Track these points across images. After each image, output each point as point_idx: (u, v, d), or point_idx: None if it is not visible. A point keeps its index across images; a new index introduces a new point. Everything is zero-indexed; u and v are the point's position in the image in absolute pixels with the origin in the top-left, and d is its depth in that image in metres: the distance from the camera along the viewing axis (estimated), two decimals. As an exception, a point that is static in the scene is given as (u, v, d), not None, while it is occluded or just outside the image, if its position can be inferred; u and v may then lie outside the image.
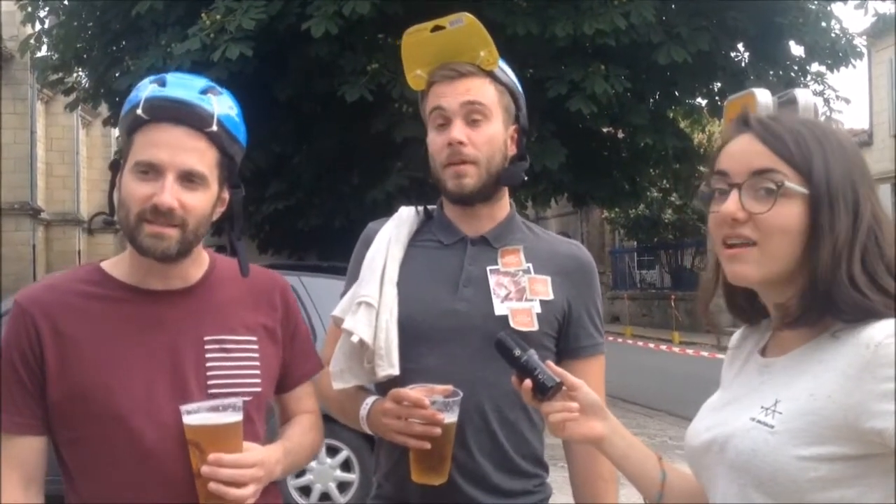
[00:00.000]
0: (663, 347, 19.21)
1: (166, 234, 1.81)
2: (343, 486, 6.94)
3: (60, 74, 13.57)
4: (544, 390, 1.65)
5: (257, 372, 1.94)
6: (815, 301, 1.39)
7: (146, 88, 1.85)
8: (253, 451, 1.82)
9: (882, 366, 1.30)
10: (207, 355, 1.89)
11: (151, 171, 1.81)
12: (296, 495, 6.88)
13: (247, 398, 1.88)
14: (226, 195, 1.96)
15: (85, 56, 12.65)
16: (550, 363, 1.70)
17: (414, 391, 1.92)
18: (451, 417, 1.90)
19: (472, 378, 2.03)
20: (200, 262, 1.98)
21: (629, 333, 24.23)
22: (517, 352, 1.70)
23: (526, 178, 2.27)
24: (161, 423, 1.81)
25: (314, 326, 6.95)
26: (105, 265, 1.97)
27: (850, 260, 1.38)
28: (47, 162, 27.60)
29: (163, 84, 1.85)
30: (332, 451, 6.90)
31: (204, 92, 1.87)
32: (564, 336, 2.14)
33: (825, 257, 1.38)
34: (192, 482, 1.79)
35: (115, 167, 2.17)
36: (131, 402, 1.82)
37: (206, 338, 1.90)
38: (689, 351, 17.07)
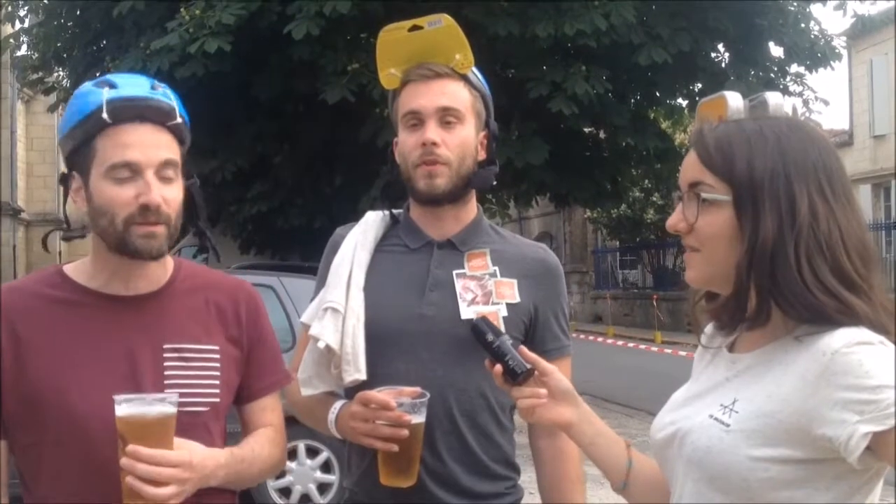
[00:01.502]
0: (643, 347, 19.27)
1: (157, 232, 1.81)
2: (323, 488, 6.94)
3: (41, 74, 13.50)
4: (514, 376, 1.69)
5: (217, 382, 1.91)
6: (765, 301, 1.41)
7: (97, 93, 1.82)
8: (181, 451, 1.74)
9: (837, 374, 1.31)
10: (166, 363, 1.87)
11: (129, 172, 1.79)
12: (276, 497, 6.87)
13: (204, 408, 1.87)
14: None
15: (65, 55, 12.58)
16: (524, 349, 1.72)
17: (381, 393, 1.92)
18: (418, 419, 1.90)
19: (440, 382, 2.03)
20: (166, 264, 1.96)
21: (611, 333, 24.28)
22: (490, 336, 1.74)
23: (495, 183, 2.28)
24: (113, 430, 1.76)
25: (293, 327, 6.95)
26: (67, 269, 1.95)
27: (797, 259, 1.38)
28: (28, 162, 27.46)
29: (113, 86, 1.83)
30: (312, 453, 6.90)
31: (153, 87, 1.86)
32: (531, 339, 2.14)
33: (743, 256, 1.41)
34: None
35: (65, 180, 2.13)
36: (87, 408, 1.79)
37: (166, 346, 1.88)
38: (668, 350, 17.13)
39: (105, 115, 1.79)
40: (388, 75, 2.16)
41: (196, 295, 1.97)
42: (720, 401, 1.45)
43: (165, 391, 1.82)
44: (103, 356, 1.84)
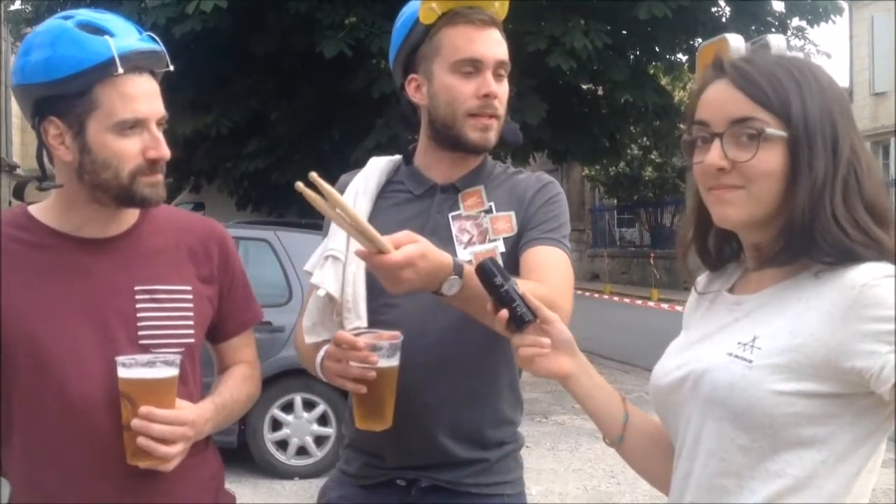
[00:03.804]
0: (640, 303, 19.31)
1: (160, 180, 1.84)
2: (320, 440, 6.97)
3: (34, 28, 13.36)
4: (520, 323, 1.63)
5: (190, 323, 1.92)
6: (795, 239, 1.40)
7: (100, 42, 1.76)
8: (186, 409, 1.80)
9: (866, 306, 1.31)
10: (138, 305, 1.86)
11: (135, 125, 1.78)
12: (273, 449, 6.91)
13: (180, 349, 1.86)
14: None
15: (58, 9, 12.44)
16: (528, 295, 1.65)
17: (358, 336, 1.89)
18: (390, 362, 1.88)
19: (440, 327, 2.02)
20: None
21: (608, 291, 24.35)
22: (498, 280, 1.65)
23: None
24: (88, 374, 1.79)
25: (290, 281, 6.95)
26: (33, 210, 1.91)
27: (833, 196, 1.39)
28: (22, 117, 27.17)
29: (110, 34, 1.78)
30: (309, 406, 6.93)
31: (140, 32, 1.84)
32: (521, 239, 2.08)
33: (804, 196, 1.39)
34: (120, 436, 1.76)
35: (39, 126, 2.07)
36: (56, 351, 1.78)
37: (137, 287, 1.87)
38: (665, 307, 17.18)
39: (119, 70, 1.76)
40: (428, 9, 2.08)
41: (165, 235, 1.96)
42: (737, 339, 1.43)
43: (139, 333, 1.84)
44: (72, 299, 1.82)
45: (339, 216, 1.70)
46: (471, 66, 2.06)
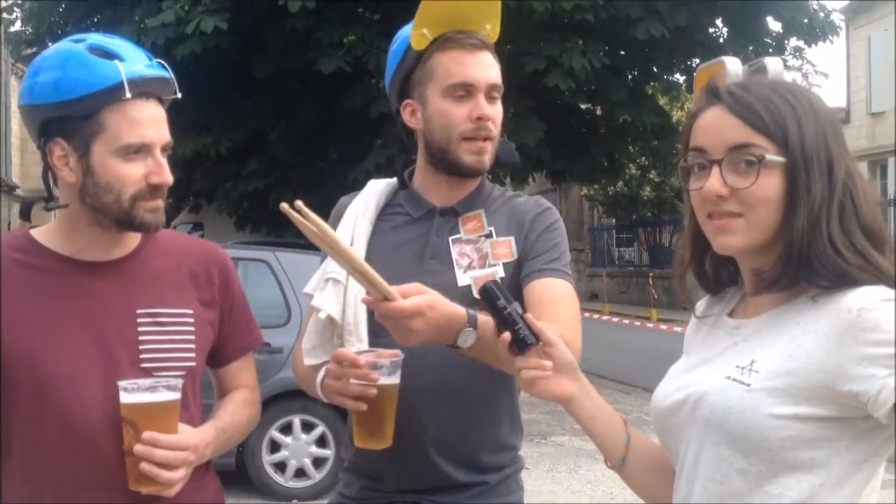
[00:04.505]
0: (639, 324, 19.28)
1: (161, 205, 1.85)
2: (318, 462, 6.95)
3: (34, 49, 13.39)
4: (522, 346, 1.62)
5: (192, 346, 1.92)
6: (792, 264, 1.41)
7: (110, 66, 1.77)
8: (188, 434, 1.80)
9: (863, 330, 1.31)
10: (140, 329, 1.86)
11: (140, 150, 1.79)
12: (271, 471, 6.89)
13: (181, 373, 1.86)
14: None
15: (59, 31, 12.47)
16: (530, 317, 1.66)
17: (359, 355, 1.89)
18: (391, 380, 1.88)
19: (442, 350, 2.01)
20: None
21: (607, 311, 24.31)
22: (501, 302, 1.66)
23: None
24: (89, 397, 1.78)
25: (288, 302, 6.95)
26: (36, 233, 1.92)
27: (829, 220, 1.39)
28: (22, 138, 27.32)
29: (120, 58, 1.79)
30: (308, 427, 6.91)
31: (150, 59, 1.85)
32: (521, 270, 2.08)
33: (802, 221, 1.40)
34: (121, 459, 1.76)
35: (45, 147, 2.09)
36: (57, 373, 1.78)
37: (139, 311, 1.87)
38: (664, 327, 17.15)
39: (128, 94, 1.77)
40: (420, 35, 2.09)
41: (167, 258, 1.96)
42: (735, 363, 1.44)
43: (141, 356, 1.84)
44: (74, 322, 1.82)
45: (334, 254, 1.70)
46: (463, 90, 2.07)
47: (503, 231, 2.12)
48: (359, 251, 2.09)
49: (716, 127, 1.44)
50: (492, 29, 2.13)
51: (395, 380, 1.89)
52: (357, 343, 2.03)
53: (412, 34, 2.09)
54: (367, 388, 1.85)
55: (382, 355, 1.90)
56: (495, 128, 2.10)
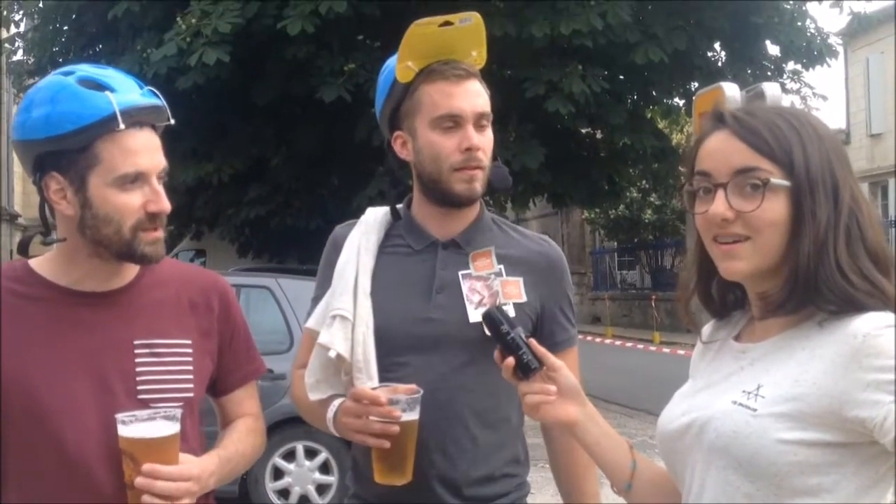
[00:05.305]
0: (642, 347, 19.24)
1: (161, 236, 1.83)
2: (322, 489, 6.91)
3: (36, 79, 13.46)
4: (526, 371, 1.63)
5: (190, 377, 1.90)
6: (799, 288, 1.41)
7: (101, 98, 1.76)
8: (189, 465, 1.77)
9: (869, 356, 1.31)
10: (137, 360, 1.84)
11: (136, 179, 1.78)
12: (274, 498, 6.85)
13: (179, 404, 1.84)
14: None
15: (60, 60, 12.55)
16: (534, 343, 1.67)
17: (375, 391, 1.90)
18: (411, 416, 1.88)
19: (451, 385, 2.02)
20: None
21: (610, 334, 24.27)
22: (504, 328, 1.67)
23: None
24: (85, 429, 1.77)
25: (291, 328, 6.94)
26: (34, 263, 1.90)
27: (836, 244, 1.40)
28: (24, 167, 27.37)
29: (111, 89, 1.78)
30: (311, 454, 6.88)
31: (141, 87, 1.84)
32: (539, 333, 2.10)
33: (809, 245, 1.40)
34: (121, 492, 1.74)
35: (40, 181, 2.07)
36: (54, 405, 1.76)
37: (137, 342, 1.85)
38: (667, 350, 17.11)
39: (121, 125, 1.75)
40: (405, 68, 2.09)
41: (166, 288, 1.94)
42: (741, 387, 1.44)
43: (138, 388, 1.82)
44: (71, 353, 1.81)
45: None
46: (451, 122, 2.05)
47: (512, 270, 2.12)
48: (364, 286, 2.10)
49: (721, 151, 1.45)
50: (478, 55, 2.11)
51: (414, 415, 1.89)
52: (367, 381, 2.01)
53: (397, 67, 2.09)
54: (390, 426, 1.85)
55: (398, 390, 1.90)
56: (485, 157, 2.08)
